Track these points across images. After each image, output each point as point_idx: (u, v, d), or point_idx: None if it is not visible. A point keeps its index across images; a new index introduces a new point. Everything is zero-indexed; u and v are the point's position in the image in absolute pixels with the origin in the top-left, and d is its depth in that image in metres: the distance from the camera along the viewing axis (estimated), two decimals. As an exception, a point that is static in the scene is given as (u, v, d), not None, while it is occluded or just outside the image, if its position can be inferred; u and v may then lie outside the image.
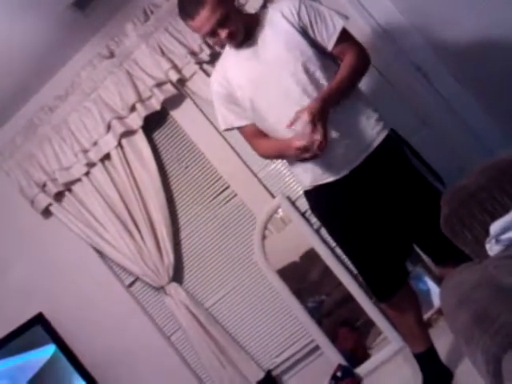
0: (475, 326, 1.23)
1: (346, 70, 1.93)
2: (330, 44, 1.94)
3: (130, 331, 3.14)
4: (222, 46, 2.15)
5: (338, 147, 1.93)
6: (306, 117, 1.79)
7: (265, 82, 1.96)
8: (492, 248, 1.53)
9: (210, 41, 2.30)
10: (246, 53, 1.99)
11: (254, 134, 2.08)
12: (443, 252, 1.98)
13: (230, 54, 2.04)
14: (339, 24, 1.94)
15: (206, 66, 2.82)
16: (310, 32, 1.94)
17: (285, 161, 2.23)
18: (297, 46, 1.93)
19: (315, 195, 2.08)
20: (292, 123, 1.83)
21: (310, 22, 1.93)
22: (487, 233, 1.54)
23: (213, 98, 2.11)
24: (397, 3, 2.59)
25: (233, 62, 2.03)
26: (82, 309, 3.15)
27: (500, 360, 1.13)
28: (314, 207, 2.15)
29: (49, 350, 3.11)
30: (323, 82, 1.94)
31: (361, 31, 2.42)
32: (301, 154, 1.88)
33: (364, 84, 2.16)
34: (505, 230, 1.50)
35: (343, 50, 1.96)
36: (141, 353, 3.14)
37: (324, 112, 1.83)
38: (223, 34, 1.91)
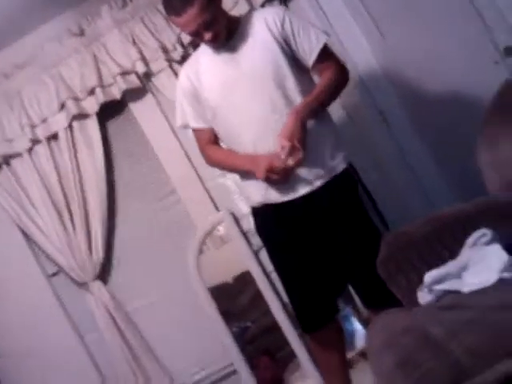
0: (399, 371, 1.23)
1: (324, 82, 1.94)
2: (311, 57, 1.93)
3: (42, 323, 2.98)
4: (197, 45, 2.10)
5: (299, 168, 1.90)
6: (285, 143, 1.80)
7: (236, 88, 1.93)
8: (424, 296, 1.54)
9: (188, 36, 2.24)
10: (223, 56, 1.96)
11: (208, 140, 2.06)
12: (375, 295, 1.97)
13: (206, 53, 2.00)
14: (322, 38, 1.94)
15: (175, 66, 2.77)
16: (292, 43, 1.93)
17: (236, 175, 2.17)
18: (273, 58, 1.92)
19: (262, 213, 2.06)
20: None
21: (293, 33, 1.92)
22: (421, 281, 1.55)
23: (177, 89, 2.07)
24: (374, 49, 2.65)
25: (209, 61, 1.99)
26: (-5, 290, 2.97)
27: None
28: (259, 225, 2.11)
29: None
30: (295, 97, 1.93)
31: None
32: (270, 175, 1.86)
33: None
34: (439, 281, 1.52)
35: (324, 67, 1.95)
36: (50, 347, 2.97)
37: (302, 127, 1.84)
38: (207, 36, 1.89)
